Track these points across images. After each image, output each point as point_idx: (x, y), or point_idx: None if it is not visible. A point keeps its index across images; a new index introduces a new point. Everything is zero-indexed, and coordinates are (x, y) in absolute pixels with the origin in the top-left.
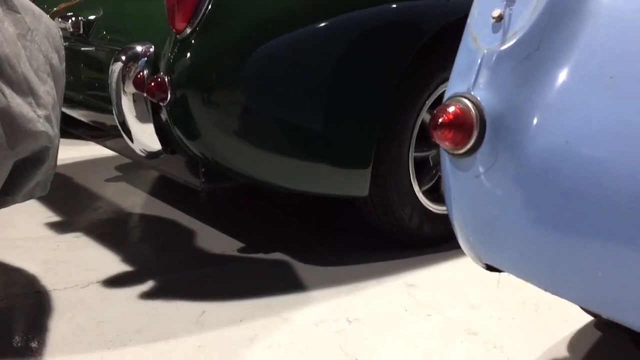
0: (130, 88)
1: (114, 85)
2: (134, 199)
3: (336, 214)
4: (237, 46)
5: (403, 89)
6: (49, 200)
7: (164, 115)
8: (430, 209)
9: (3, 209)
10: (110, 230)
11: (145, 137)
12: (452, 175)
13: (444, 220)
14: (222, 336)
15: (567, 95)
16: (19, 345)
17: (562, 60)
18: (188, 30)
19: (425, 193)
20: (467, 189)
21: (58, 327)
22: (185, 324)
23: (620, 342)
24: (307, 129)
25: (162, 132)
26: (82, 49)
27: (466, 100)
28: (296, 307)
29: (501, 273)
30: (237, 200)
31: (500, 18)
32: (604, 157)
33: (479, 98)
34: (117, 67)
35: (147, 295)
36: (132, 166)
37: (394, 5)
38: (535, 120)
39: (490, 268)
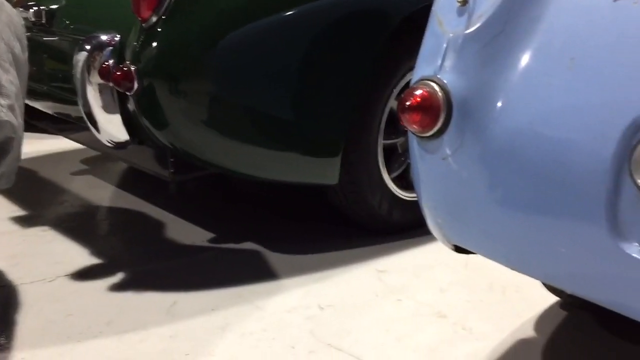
0: (95, 78)
1: (78, 75)
2: (101, 192)
3: (306, 203)
4: (204, 34)
5: (371, 76)
6: (13, 195)
7: (131, 105)
8: (400, 195)
9: None
10: (78, 224)
11: (112, 128)
12: (420, 158)
13: (413, 207)
14: (194, 326)
15: (530, 77)
16: None
17: (525, 43)
18: (154, 19)
19: (394, 180)
20: (435, 171)
21: (26, 321)
22: (156, 314)
23: (584, 321)
24: (277, 118)
25: (129, 122)
26: (45, 38)
27: (433, 84)
28: (268, 295)
29: (469, 256)
30: (207, 191)
31: (465, 2)
32: (565, 137)
33: (445, 81)
34: (81, 56)
35: (117, 287)
36: (98, 159)
37: None
38: (500, 102)
39: (458, 249)
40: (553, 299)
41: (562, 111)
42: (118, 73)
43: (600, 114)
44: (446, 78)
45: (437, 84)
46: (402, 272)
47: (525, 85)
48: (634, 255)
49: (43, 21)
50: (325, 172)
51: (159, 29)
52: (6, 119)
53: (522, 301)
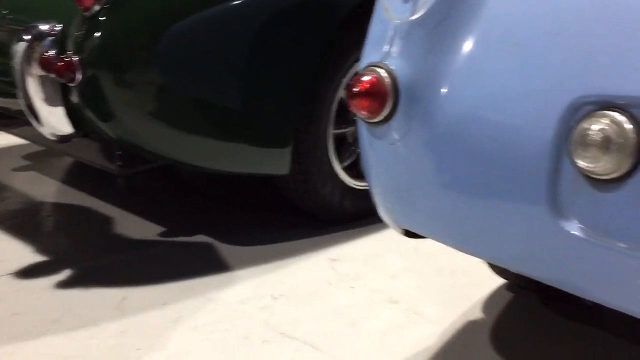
0: (36, 69)
1: (18, 67)
2: (45, 188)
3: (258, 194)
4: (149, 24)
5: (320, 66)
6: None
7: (74, 97)
8: (351, 185)
9: None
10: (21, 221)
11: (55, 120)
12: (369, 144)
13: (365, 196)
14: (145, 320)
15: (474, 62)
16: None
17: (469, 29)
18: (96, 8)
19: (345, 170)
20: (384, 156)
21: None
22: (105, 310)
23: (529, 302)
24: (226, 109)
25: (73, 114)
26: None
27: (380, 70)
28: (220, 287)
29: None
30: (156, 184)
31: None
32: (508, 120)
33: (392, 67)
34: (20, 47)
35: (64, 285)
36: (41, 155)
37: None
38: (445, 88)
39: (408, 234)
40: (500, 281)
41: (504, 96)
42: (60, 64)
43: (541, 98)
44: (393, 64)
45: (384, 69)
46: (355, 260)
47: (469, 70)
48: (573, 232)
49: None
50: (275, 162)
51: (102, 18)
52: None
53: (470, 284)
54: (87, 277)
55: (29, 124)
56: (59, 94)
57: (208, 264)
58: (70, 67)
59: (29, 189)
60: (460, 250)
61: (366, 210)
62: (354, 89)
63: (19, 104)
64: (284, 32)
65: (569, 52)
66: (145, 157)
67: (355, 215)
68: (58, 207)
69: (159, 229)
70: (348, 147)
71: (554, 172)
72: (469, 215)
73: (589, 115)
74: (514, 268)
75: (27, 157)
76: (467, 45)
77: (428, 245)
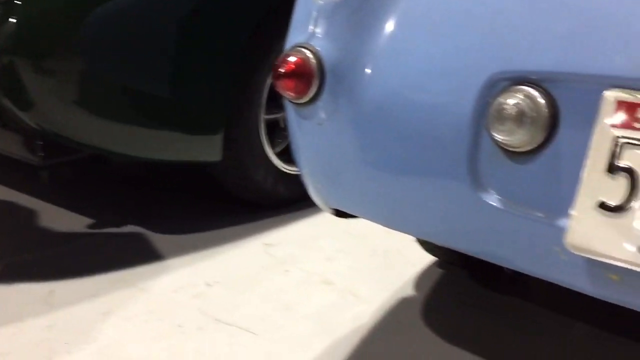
0: None
1: None
2: None
3: (191, 181)
4: (69, 7)
5: (249, 51)
6: None
7: None
8: (284, 170)
9: None
10: None
11: None
12: (297, 125)
13: (298, 180)
14: (74, 314)
15: (396, 42)
16: None
17: (391, 9)
18: None
19: (278, 155)
20: (312, 136)
21: None
22: (32, 305)
23: (459, 277)
24: (154, 96)
25: None
26: None
27: (305, 50)
28: (153, 277)
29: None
30: (83, 175)
31: None
32: (430, 98)
33: (317, 48)
34: None
35: None
36: None
37: None
38: (369, 67)
39: (339, 213)
40: (431, 259)
41: (425, 74)
42: None
43: (460, 75)
44: (318, 44)
45: (309, 50)
46: (289, 244)
47: (392, 50)
48: (492, 203)
49: None
50: (207, 149)
51: (18, 2)
52: None
53: (403, 264)
54: (12, 273)
55: None
56: None
57: (139, 255)
58: None
59: None
60: (389, 227)
61: (300, 194)
62: (280, 70)
63: None
64: (212, 16)
65: (485, 30)
66: (69, 147)
67: (289, 200)
68: None
69: (87, 220)
70: (280, 133)
71: (473, 146)
72: (395, 192)
73: (504, 90)
74: (440, 242)
75: None
76: (389, 26)
77: (362, 226)
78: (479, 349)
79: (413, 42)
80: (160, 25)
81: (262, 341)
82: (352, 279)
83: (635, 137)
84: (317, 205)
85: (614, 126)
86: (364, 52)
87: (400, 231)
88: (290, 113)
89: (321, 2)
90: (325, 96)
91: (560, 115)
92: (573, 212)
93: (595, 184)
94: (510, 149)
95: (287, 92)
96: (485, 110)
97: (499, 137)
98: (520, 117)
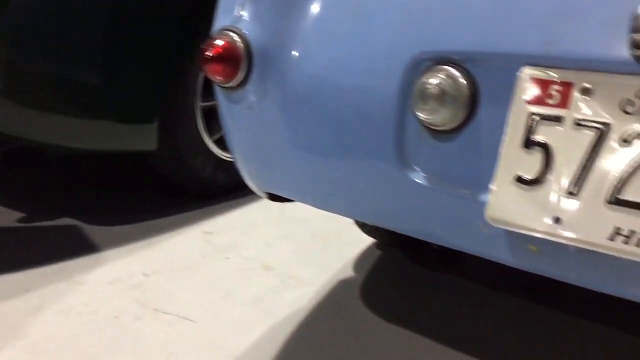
0: None
1: None
2: None
3: (128, 172)
4: None
5: (181, 38)
6: None
7: None
8: (223, 157)
9: None
10: None
11: None
12: (227, 109)
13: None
14: (5, 310)
15: (322, 25)
16: None
17: None
18: None
19: (216, 142)
20: (242, 120)
21: None
22: None
23: (396, 258)
24: (85, 85)
25: None
26: None
27: (232, 34)
28: (88, 269)
29: (294, 211)
30: (13, 167)
31: None
32: (356, 80)
33: (244, 31)
34: None
35: None
36: None
37: None
38: (297, 51)
39: (273, 197)
40: (370, 241)
41: (351, 57)
42: None
43: (384, 56)
44: (245, 28)
45: (236, 33)
46: (229, 231)
47: (318, 33)
48: (418, 182)
49: None
50: (142, 138)
51: None
52: None
53: (342, 247)
54: None
55: None
56: None
57: (74, 247)
58: None
59: None
60: (322, 209)
61: (240, 182)
62: (207, 54)
63: None
64: (142, 2)
65: (407, 12)
66: None
67: (229, 188)
68: None
69: (17, 214)
70: (218, 120)
71: (399, 125)
72: (326, 174)
73: (427, 70)
74: (372, 221)
75: None
76: (315, 8)
77: (302, 212)
78: (416, 326)
79: (338, 24)
80: (89, 12)
81: (201, 328)
82: (292, 263)
83: (548, 113)
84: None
85: (529, 103)
86: (291, 35)
87: (333, 213)
88: (221, 97)
89: None
90: (254, 80)
91: (480, 94)
92: (492, 186)
93: (513, 159)
94: (434, 127)
95: (215, 76)
96: (409, 91)
97: (422, 116)
98: (442, 96)
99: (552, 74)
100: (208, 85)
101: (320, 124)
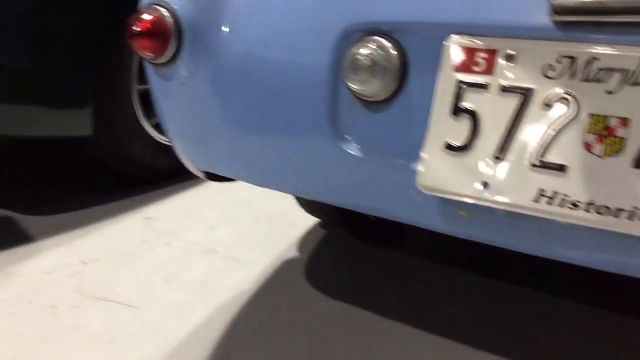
0: None
1: None
2: None
3: (67, 159)
4: None
5: (113, 17)
6: None
7: None
8: (163, 142)
9: None
10: None
11: None
12: (158, 86)
13: None
14: None
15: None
16: None
17: None
18: None
19: (156, 127)
20: (175, 97)
21: None
22: None
23: (340, 236)
24: (12, 70)
25: None
26: None
27: (161, 8)
28: (22, 260)
29: (237, 193)
30: None
31: None
32: (288, 55)
33: (173, 5)
34: None
35: None
36: None
37: None
38: (227, 26)
39: (211, 176)
40: (314, 220)
41: (282, 31)
42: None
43: (316, 28)
44: (174, 2)
45: (164, 8)
46: (171, 216)
47: (249, 8)
48: (353, 153)
49: None
50: (76, 124)
51: None
52: None
53: (286, 227)
54: None
55: None
56: None
57: (7, 238)
58: None
59: None
60: (260, 185)
61: (182, 166)
62: (134, 29)
63: None
64: None
65: None
66: None
67: (170, 173)
68: None
69: None
70: None
71: (332, 98)
72: (261, 149)
73: (358, 41)
74: (310, 196)
75: None
76: None
77: (246, 194)
78: (360, 301)
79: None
80: None
81: (142, 314)
82: (236, 245)
83: (475, 80)
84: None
85: (456, 71)
86: (221, 11)
87: (271, 189)
88: (151, 74)
89: None
90: (184, 55)
91: (410, 64)
92: (423, 154)
93: (442, 127)
94: (366, 98)
95: (143, 51)
96: (341, 63)
97: (354, 87)
98: (372, 67)
99: (477, 42)
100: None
101: (253, 99)
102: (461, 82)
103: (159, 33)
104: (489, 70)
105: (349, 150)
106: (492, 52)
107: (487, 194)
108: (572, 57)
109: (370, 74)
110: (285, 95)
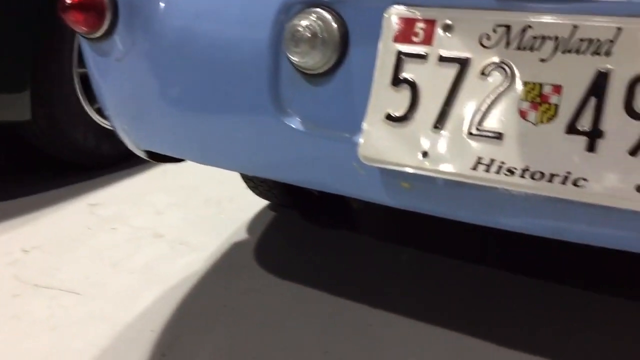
0: None
1: None
2: None
3: (5, 145)
4: None
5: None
6: None
7: None
8: (107, 127)
9: None
10: None
11: None
12: (94, 62)
13: None
14: None
15: None
16: None
17: None
18: None
19: (98, 111)
20: (111, 74)
21: None
22: None
23: (290, 218)
24: None
25: None
26: None
27: None
28: None
29: (185, 177)
30: None
31: None
32: (228, 29)
33: None
34: None
35: None
36: None
37: None
38: (164, 1)
39: (152, 156)
40: (264, 203)
41: (221, 3)
42: None
43: (255, 2)
44: None
45: None
46: (117, 202)
47: None
48: (294, 127)
49: None
50: (13, 108)
51: None
52: None
53: (236, 210)
54: None
55: None
56: None
57: None
58: None
59: None
60: (203, 163)
61: (128, 151)
62: (67, 1)
63: None
64: None
65: None
66: None
67: (115, 159)
68: None
69: None
70: None
71: (274, 71)
72: (203, 126)
73: (298, 13)
74: (254, 172)
75: None
76: None
77: (194, 178)
78: (311, 281)
79: None
80: None
81: (86, 300)
82: (183, 229)
83: (414, 50)
84: (148, 161)
85: (395, 41)
86: None
87: (214, 166)
88: (86, 50)
89: None
90: (120, 29)
91: (350, 35)
92: (364, 125)
93: (382, 98)
94: (307, 71)
95: (77, 25)
96: (282, 35)
97: (295, 59)
98: (313, 39)
99: (416, 12)
100: None
101: (192, 74)
102: (401, 52)
103: (92, 5)
104: (427, 40)
105: (291, 125)
106: (430, 23)
107: (427, 164)
108: (507, 26)
109: (310, 46)
110: (225, 70)
